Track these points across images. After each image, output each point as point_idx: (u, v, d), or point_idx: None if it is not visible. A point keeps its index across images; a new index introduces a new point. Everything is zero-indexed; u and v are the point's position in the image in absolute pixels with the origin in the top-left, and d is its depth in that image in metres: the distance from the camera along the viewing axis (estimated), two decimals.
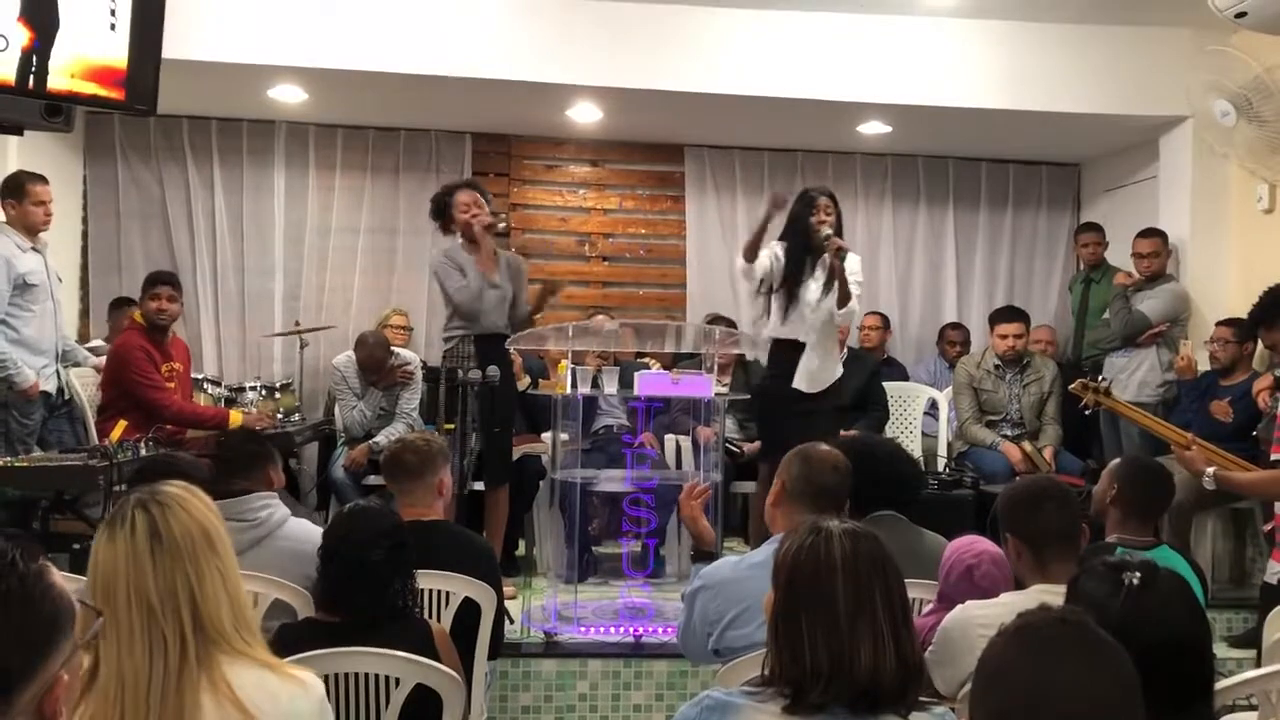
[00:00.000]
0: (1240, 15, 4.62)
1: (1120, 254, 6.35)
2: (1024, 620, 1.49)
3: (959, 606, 2.41)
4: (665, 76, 5.80)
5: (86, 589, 1.68)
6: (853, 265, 4.85)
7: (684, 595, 2.91)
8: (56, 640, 1.16)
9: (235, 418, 5.13)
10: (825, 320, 4.81)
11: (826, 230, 4.70)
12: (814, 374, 4.83)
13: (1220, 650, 4.43)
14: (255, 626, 1.79)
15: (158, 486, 1.78)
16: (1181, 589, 1.79)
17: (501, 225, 4.76)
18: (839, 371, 4.97)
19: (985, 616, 2.27)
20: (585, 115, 6.42)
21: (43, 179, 4.95)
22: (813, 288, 4.80)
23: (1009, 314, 6.09)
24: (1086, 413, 4.87)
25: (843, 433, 4.98)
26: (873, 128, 6.53)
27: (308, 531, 3.17)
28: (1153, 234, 5.85)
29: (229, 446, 3.37)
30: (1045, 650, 1.42)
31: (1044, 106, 6.01)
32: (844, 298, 4.75)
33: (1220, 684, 1.97)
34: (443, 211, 4.92)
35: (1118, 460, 3.43)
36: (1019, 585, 2.50)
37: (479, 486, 4.88)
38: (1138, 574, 1.75)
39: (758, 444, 5.74)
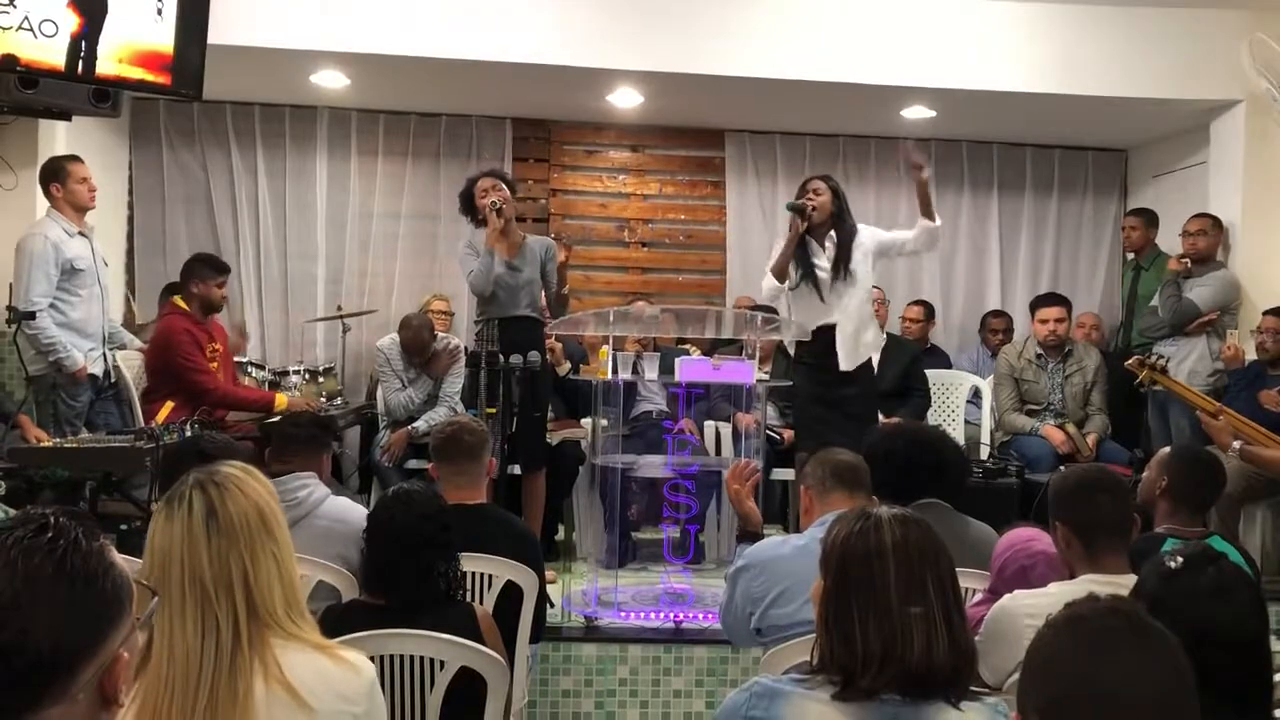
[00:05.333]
0: None
1: (1169, 240, 6.25)
2: (1072, 610, 1.47)
3: (1007, 595, 2.39)
4: (706, 61, 5.77)
5: (143, 568, 1.69)
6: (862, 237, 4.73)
7: (727, 575, 2.91)
8: (117, 619, 1.17)
9: (281, 400, 5.16)
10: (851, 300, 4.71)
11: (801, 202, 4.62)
12: (854, 348, 4.69)
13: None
14: (306, 609, 1.79)
15: (216, 467, 1.78)
16: (1237, 579, 1.76)
17: (498, 206, 4.71)
18: (877, 344, 4.86)
19: (1033, 606, 2.24)
20: (626, 100, 6.40)
21: (78, 158, 4.97)
22: (825, 266, 4.68)
23: (1050, 299, 6.01)
24: (1141, 390, 4.83)
25: (883, 419, 4.96)
26: (916, 112, 6.45)
27: (344, 510, 3.20)
28: (1202, 216, 5.82)
29: (295, 424, 3.42)
30: (1095, 639, 1.41)
31: (1091, 91, 5.91)
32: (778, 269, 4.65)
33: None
34: (470, 204, 4.94)
35: (1166, 450, 3.38)
36: (1069, 575, 2.47)
37: (515, 470, 4.89)
38: (1179, 558, 1.74)
39: None
